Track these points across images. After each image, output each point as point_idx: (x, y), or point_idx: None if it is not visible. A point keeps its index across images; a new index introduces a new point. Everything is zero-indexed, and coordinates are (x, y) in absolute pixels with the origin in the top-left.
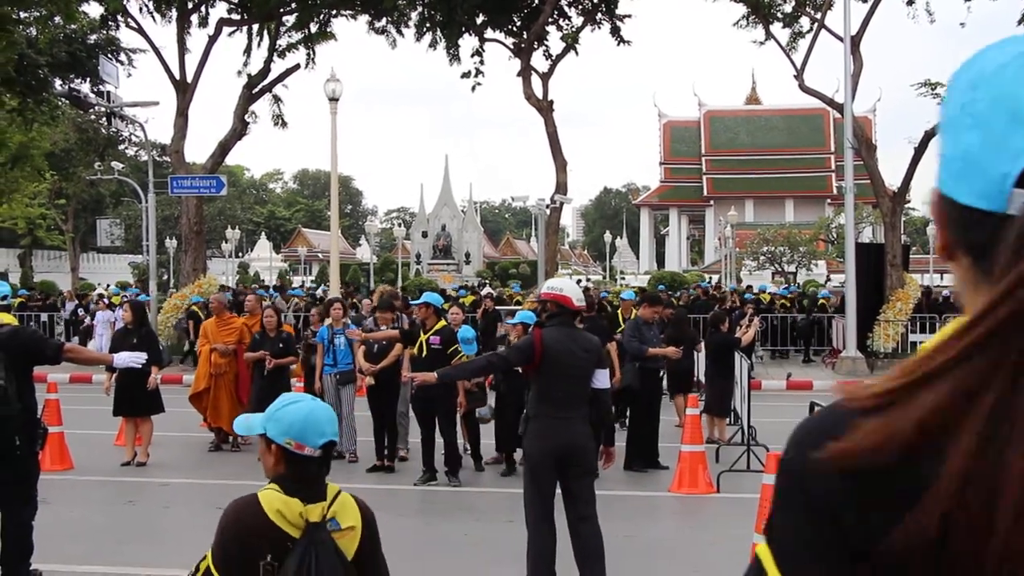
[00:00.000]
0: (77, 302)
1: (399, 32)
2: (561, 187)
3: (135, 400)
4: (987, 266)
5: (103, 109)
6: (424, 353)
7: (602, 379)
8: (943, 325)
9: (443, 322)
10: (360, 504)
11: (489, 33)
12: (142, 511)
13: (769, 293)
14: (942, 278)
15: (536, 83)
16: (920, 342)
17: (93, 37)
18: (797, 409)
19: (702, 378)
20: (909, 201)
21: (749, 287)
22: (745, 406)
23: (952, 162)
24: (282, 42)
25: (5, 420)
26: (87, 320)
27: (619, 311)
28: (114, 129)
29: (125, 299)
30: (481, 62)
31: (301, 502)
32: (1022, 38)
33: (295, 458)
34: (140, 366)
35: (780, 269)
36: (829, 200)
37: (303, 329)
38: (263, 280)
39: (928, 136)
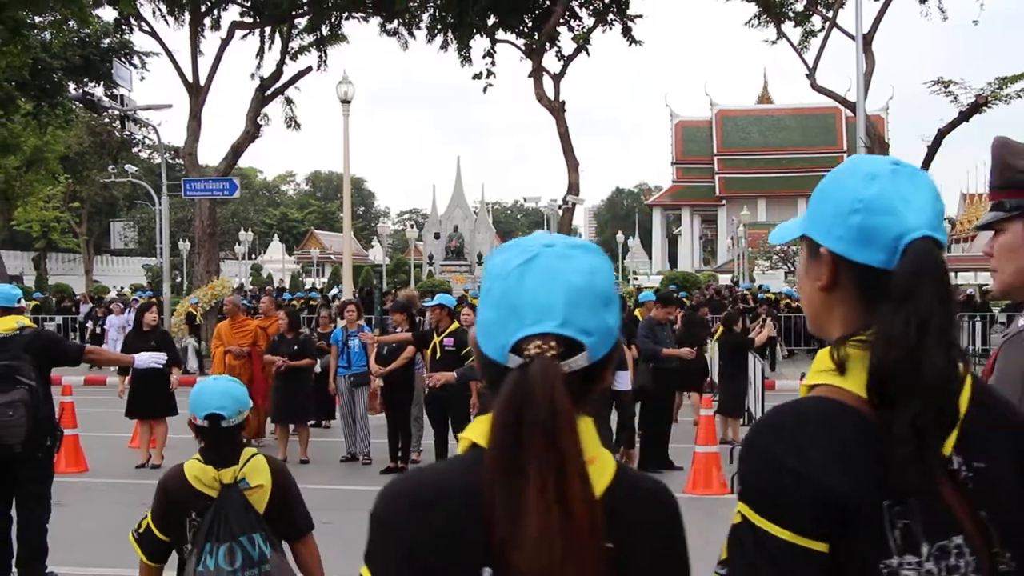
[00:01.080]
0: (92, 305)
1: (411, 34)
2: (573, 188)
3: (149, 402)
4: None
5: (117, 112)
6: (439, 355)
7: (622, 381)
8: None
9: (456, 323)
10: (272, 465)
11: (500, 34)
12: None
13: (773, 293)
14: (956, 277)
15: (548, 84)
16: None
17: (107, 41)
18: None
19: (715, 379)
20: None
21: (761, 287)
22: (759, 406)
23: (482, 325)
24: (294, 45)
25: (39, 421)
26: (97, 328)
27: (637, 312)
28: (128, 132)
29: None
30: (492, 63)
31: (215, 467)
32: (513, 243)
33: (198, 430)
34: (161, 367)
35: (793, 268)
36: None
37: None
38: (281, 281)
39: (941, 135)
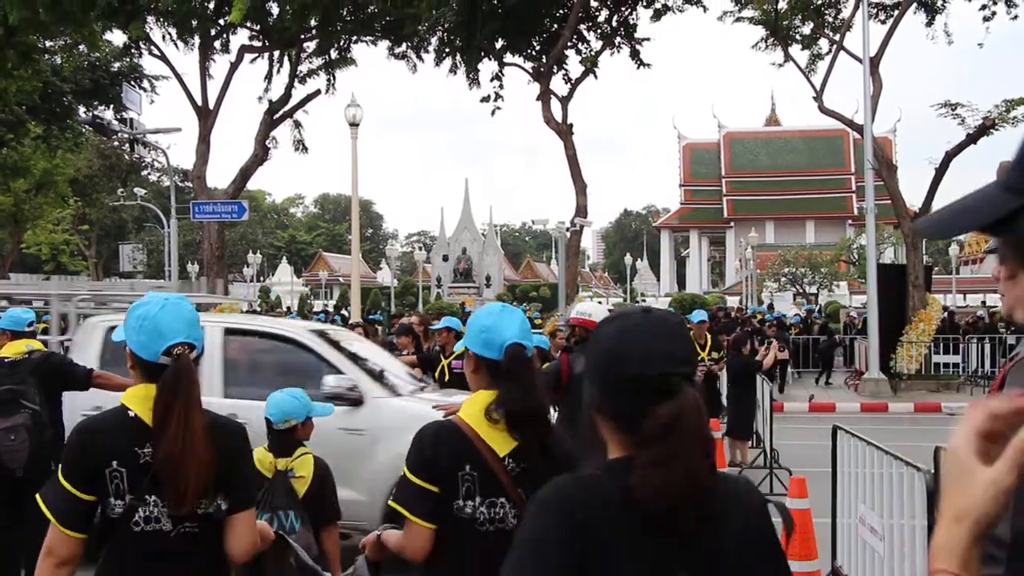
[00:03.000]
0: None
1: (419, 57)
2: (581, 210)
3: None
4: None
5: (126, 136)
6: (447, 377)
7: None
8: (966, 346)
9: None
10: (317, 463)
11: (508, 58)
12: None
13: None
14: (965, 299)
15: (555, 107)
16: (943, 363)
17: (116, 65)
18: (820, 432)
19: (723, 401)
20: None
21: (770, 306)
22: (767, 429)
23: (135, 345)
24: (303, 68)
25: (42, 444)
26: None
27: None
28: (137, 155)
29: None
30: (500, 86)
31: (274, 456)
32: (151, 299)
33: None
34: None
35: (801, 290)
36: (850, 221)
37: None
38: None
39: (949, 157)
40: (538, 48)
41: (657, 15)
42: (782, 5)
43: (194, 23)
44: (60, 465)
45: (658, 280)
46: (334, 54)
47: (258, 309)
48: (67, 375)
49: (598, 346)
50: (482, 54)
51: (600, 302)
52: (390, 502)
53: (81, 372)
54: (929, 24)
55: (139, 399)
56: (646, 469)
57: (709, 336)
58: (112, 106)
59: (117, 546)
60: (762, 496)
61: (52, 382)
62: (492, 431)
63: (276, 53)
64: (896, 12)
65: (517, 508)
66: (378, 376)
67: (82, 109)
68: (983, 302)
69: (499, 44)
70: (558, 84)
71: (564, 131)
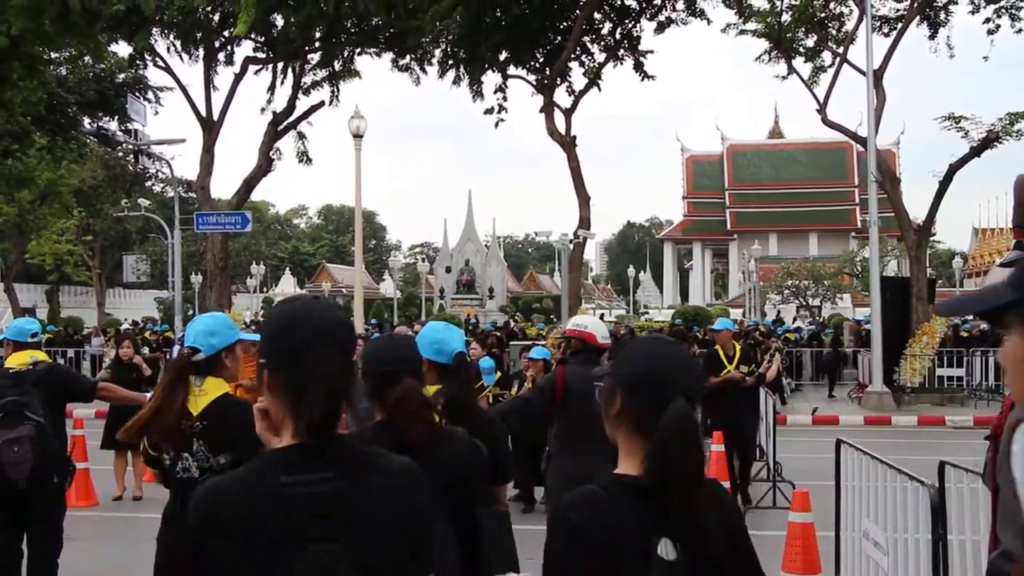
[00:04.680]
0: (103, 338)
1: (422, 70)
2: (584, 222)
3: None
4: None
5: (131, 147)
6: None
7: None
8: (970, 359)
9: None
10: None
11: (512, 70)
12: None
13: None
14: None
15: (559, 119)
16: (947, 376)
17: (121, 76)
18: (823, 445)
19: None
20: (934, 234)
21: (776, 321)
22: (770, 442)
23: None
24: (307, 80)
25: (46, 456)
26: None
27: (717, 346)
28: (141, 166)
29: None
30: (504, 98)
31: None
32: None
33: None
34: None
35: (805, 303)
36: (853, 233)
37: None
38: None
39: (952, 170)
40: (542, 60)
41: (661, 28)
42: (785, 18)
43: (199, 35)
44: None
45: (661, 292)
46: (338, 66)
47: (261, 320)
48: (71, 386)
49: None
50: (486, 66)
51: (602, 315)
52: None
53: (86, 384)
54: (932, 37)
55: None
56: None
57: (737, 346)
58: (117, 117)
59: (171, 487)
60: (734, 499)
61: (56, 393)
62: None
63: (280, 65)
64: (900, 25)
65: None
66: None
67: (87, 120)
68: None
69: (503, 56)
70: (562, 96)
71: (567, 143)
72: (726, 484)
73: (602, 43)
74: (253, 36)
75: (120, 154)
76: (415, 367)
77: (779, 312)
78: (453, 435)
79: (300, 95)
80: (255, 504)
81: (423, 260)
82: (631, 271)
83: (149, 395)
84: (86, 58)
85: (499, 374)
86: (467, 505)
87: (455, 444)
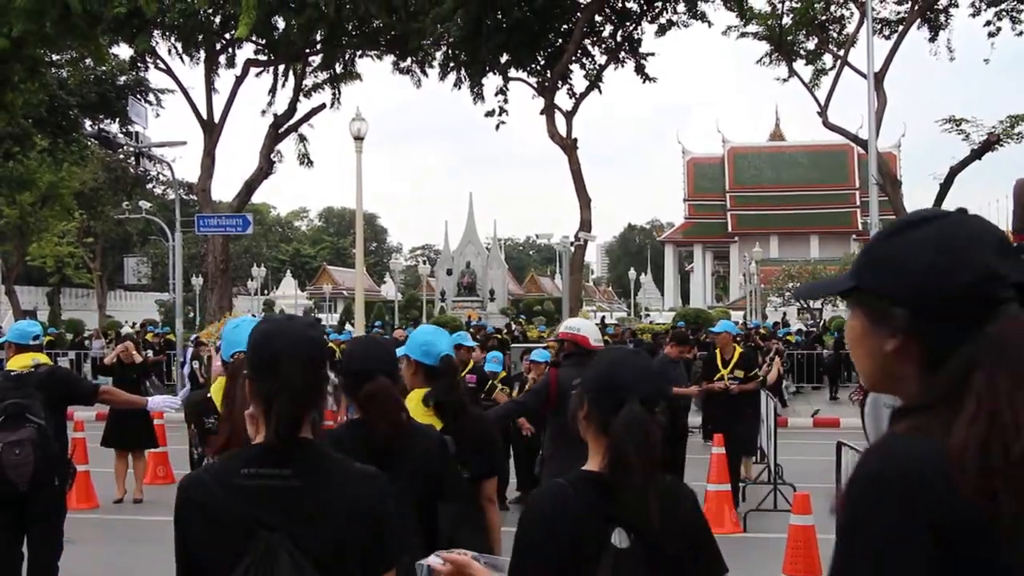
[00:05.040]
0: (104, 340)
1: (423, 72)
2: (585, 224)
3: (129, 433)
4: None
5: (132, 149)
6: None
7: None
8: None
9: (472, 361)
10: None
11: (513, 72)
12: (168, 550)
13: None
14: None
15: (560, 121)
16: None
17: (123, 78)
18: (824, 447)
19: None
20: None
21: (777, 323)
22: (771, 444)
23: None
24: (308, 82)
25: (47, 459)
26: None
27: (717, 349)
28: (142, 168)
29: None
30: (505, 101)
31: None
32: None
33: None
34: (176, 410)
35: (806, 306)
36: (854, 236)
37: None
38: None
39: (953, 172)
40: (543, 63)
41: (662, 30)
42: (786, 21)
43: (200, 37)
44: None
45: (662, 295)
46: (339, 68)
47: None
48: (73, 390)
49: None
50: (486, 69)
51: (603, 318)
52: None
53: (87, 387)
54: (932, 40)
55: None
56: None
57: (737, 349)
58: (118, 119)
59: None
60: (692, 492)
61: (58, 396)
62: (426, 416)
63: (281, 67)
64: (900, 28)
65: None
66: None
67: (88, 122)
68: None
69: (504, 59)
70: (562, 98)
71: (568, 146)
72: (726, 487)
73: (603, 45)
74: (254, 38)
75: (121, 156)
76: (388, 367)
77: (784, 315)
78: (422, 432)
79: (301, 97)
80: (218, 491)
81: (424, 262)
82: (632, 273)
83: (149, 398)
84: (87, 60)
85: (504, 373)
86: (433, 499)
87: (424, 441)
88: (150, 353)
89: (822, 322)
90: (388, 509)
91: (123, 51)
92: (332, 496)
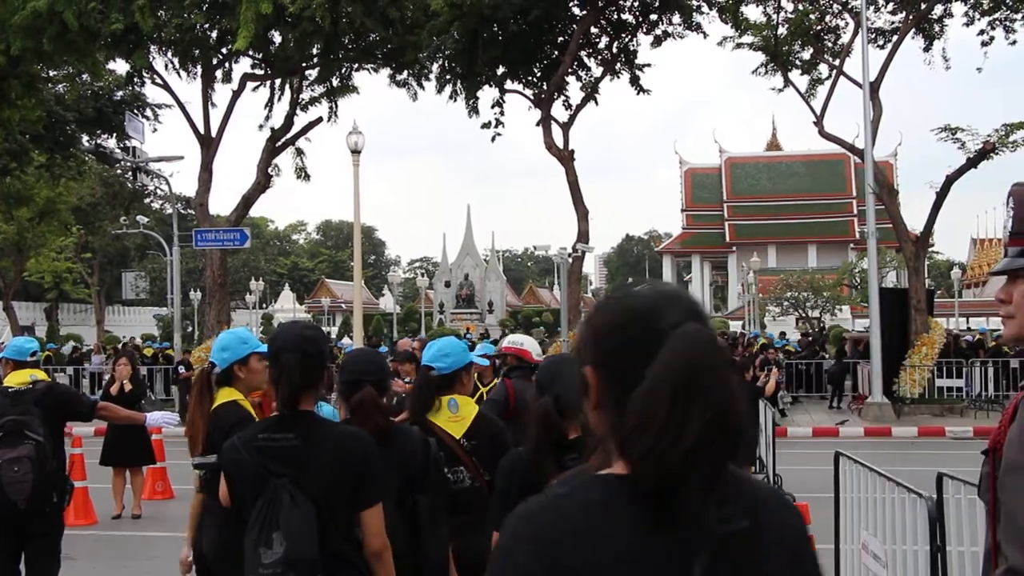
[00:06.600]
0: (103, 355)
1: (420, 85)
2: (583, 236)
3: (127, 450)
4: None
5: (129, 164)
6: None
7: None
8: (969, 370)
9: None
10: None
11: (509, 84)
12: (166, 565)
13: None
14: (968, 322)
15: (556, 132)
16: (947, 387)
17: (119, 93)
18: (823, 457)
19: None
20: (932, 245)
21: (783, 333)
22: (770, 454)
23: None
24: (304, 96)
25: (45, 476)
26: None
27: None
28: (139, 183)
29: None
30: (501, 113)
31: None
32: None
33: None
34: (175, 426)
35: (804, 315)
36: (852, 245)
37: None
38: None
39: (949, 181)
40: (539, 75)
41: (657, 41)
42: (781, 31)
43: (196, 52)
44: None
45: None
46: (336, 82)
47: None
48: (71, 406)
49: None
50: (482, 81)
51: None
52: None
53: (85, 403)
54: (927, 49)
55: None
56: None
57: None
58: (115, 134)
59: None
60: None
61: (56, 413)
62: (449, 423)
63: (278, 81)
64: (895, 37)
65: (471, 472)
66: None
67: (85, 138)
68: (987, 325)
69: (500, 71)
70: (559, 110)
71: (565, 157)
72: None
73: (599, 57)
74: (251, 53)
75: (118, 171)
76: (377, 377)
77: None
78: (405, 433)
79: (298, 111)
80: (243, 451)
81: (422, 275)
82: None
83: (147, 414)
84: (84, 76)
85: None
86: (414, 494)
87: (407, 442)
88: (177, 369)
89: (821, 331)
90: (369, 460)
91: (120, 67)
92: (324, 451)
